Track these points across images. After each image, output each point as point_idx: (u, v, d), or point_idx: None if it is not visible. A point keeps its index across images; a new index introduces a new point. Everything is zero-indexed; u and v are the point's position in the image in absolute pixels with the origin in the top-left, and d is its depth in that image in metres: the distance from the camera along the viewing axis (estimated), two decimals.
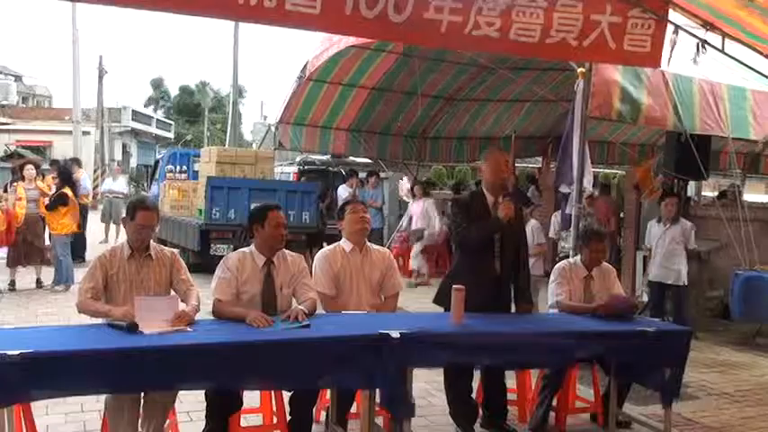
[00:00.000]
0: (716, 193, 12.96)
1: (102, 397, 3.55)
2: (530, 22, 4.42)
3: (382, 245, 10.25)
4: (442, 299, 4.34)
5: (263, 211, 4.00)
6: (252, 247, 4.02)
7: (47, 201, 9.01)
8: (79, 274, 7.19)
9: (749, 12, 4.37)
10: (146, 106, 50.68)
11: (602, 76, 5.78)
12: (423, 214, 11.29)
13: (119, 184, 15.02)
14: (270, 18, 4.03)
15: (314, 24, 4.13)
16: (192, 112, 52.24)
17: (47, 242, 9.35)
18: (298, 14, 3.95)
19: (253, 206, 4.33)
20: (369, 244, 4.47)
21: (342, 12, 4.04)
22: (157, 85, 55.32)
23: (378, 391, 3.66)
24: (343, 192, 12.11)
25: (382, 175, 13.87)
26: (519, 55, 5.41)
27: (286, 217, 4.12)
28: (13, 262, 9.08)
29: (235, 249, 4.27)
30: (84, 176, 12.50)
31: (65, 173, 9.53)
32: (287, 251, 4.10)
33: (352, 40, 8.52)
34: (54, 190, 9.19)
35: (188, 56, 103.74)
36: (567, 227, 6.66)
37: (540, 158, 14.23)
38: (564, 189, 6.33)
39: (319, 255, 4.43)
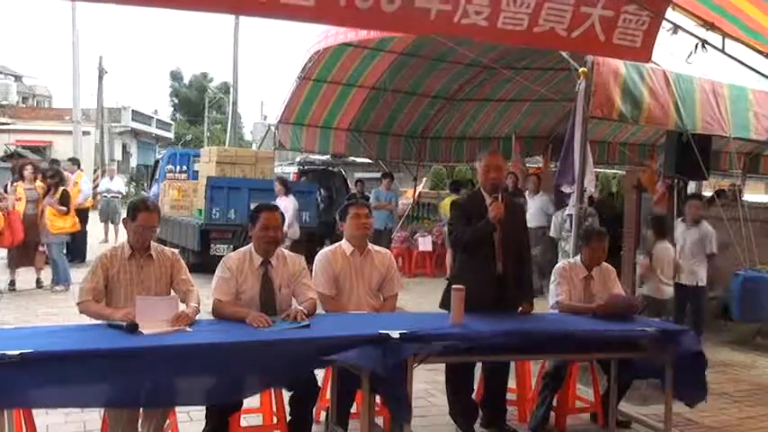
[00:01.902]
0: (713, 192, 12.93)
1: None
2: (518, 11, 4.43)
3: (389, 246, 10.24)
4: (448, 302, 4.29)
5: (256, 212, 4.02)
6: (251, 246, 4.03)
7: (57, 203, 8.98)
8: (79, 274, 7.18)
9: (755, 2, 4.36)
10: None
11: (604, 76, 5.76)
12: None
13: (116, 184, 15.07)
14: (263, 11, 4.03)
15: (308, 16, 4.12)
16: (197, 110, 52.20)
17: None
18: (291, 6, 3.93)
19: (252, 206, 4.33)
20: (370, 245, 4.46)
21: (336, 3, 4.04)
22: (176, 77, 55.03)
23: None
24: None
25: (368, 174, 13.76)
26: (507, 43, 5.42)
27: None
28: (13, 263, 9.08)
29: (235, 249, 4.27)
30: (85, 179, 12.47)
31: (60, 175, 9.56)
32: (286, 251, 4.10)
33: (350, 36, 8.49)
34: (51, 192, 9.15)
35: (188, 54, 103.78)
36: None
37: (540, 158, 14.22)
38: (566, 189, 6.31)
39: (320, 255, 4.43)
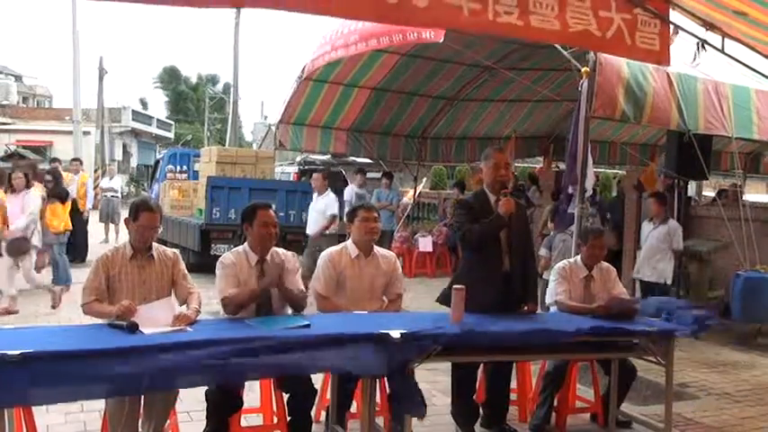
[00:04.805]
0: (715, 193, 12.96)
1: None
2: (545, 14, 4.32)
3: (390, 246, 10.20)
4: (447, 298, 4.24)
5: (252, 210, 4.00)
6: (245, 245, 4.02)
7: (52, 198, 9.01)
8: (80, 273, 7.18)
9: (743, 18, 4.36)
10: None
11: (606, 76, 5.74)
12: (22, 214, 7.82)
13: (115, 183, 15.10)
14: (280, 4, 3.86)
15: (330, 11, 3.94)
16: (187, 110, 52.05)
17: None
18: (311, 1, 3.78)
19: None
20: (376, 248, 4.44)
21: None
22: (171, 74, 54.60)
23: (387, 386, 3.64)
24: (350, 192, 11.83)
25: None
26: (545, 41, 5.06)
27: (278, 216, 4.09)
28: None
29: None
30: (89, 181, 12.46)
31: (55, 174, 9.56)
32: (280, 249, 4.09)
33: (352, 50, 8.37)
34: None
35: (189, 54, 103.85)
36: (568, 224, 6.61)
37: (541, 158, 14.24)
38: (572, 190, 6.28)
39: (324, 254, 4.40)
